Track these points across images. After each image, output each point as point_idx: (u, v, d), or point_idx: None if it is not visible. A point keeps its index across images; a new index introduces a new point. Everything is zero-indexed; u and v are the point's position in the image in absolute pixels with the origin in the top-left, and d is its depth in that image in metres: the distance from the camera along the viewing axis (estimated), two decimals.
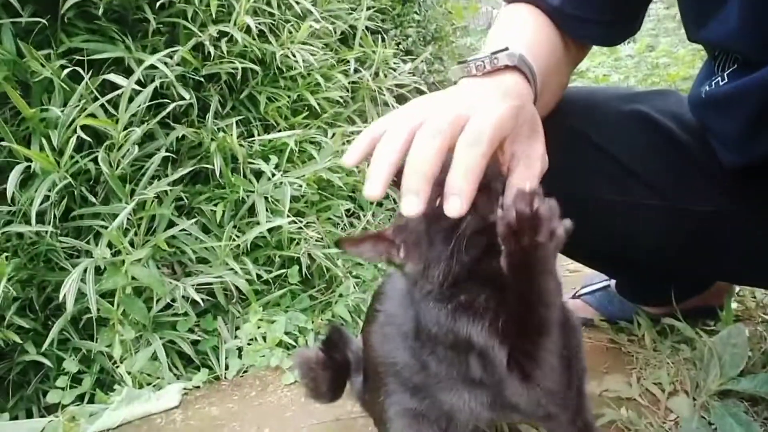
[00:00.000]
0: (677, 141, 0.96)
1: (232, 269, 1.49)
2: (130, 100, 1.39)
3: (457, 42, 2.83)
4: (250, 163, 1.68)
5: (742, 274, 1.05)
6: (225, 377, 1.44)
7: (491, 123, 0.61)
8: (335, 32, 2.04)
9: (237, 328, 1.53)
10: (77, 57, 1.43)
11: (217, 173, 1.58)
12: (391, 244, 0.70)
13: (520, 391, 0.66)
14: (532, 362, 0.64)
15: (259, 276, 1.58)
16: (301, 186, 1.71)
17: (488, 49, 0.74)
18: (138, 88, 1.42)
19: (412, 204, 0.58)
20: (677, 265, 1.06)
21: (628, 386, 1.10)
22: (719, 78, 0.86)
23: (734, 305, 1.26)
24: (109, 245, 1.37)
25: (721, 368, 0.98)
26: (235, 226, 1.59)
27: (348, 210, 1.98)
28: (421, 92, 2.26)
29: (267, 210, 1.62)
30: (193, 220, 1.55)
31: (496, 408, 0.73)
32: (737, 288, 1.25)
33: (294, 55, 1.83)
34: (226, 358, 1.47)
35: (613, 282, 1.35)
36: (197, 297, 1.45)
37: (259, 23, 1.74)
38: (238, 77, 1.72)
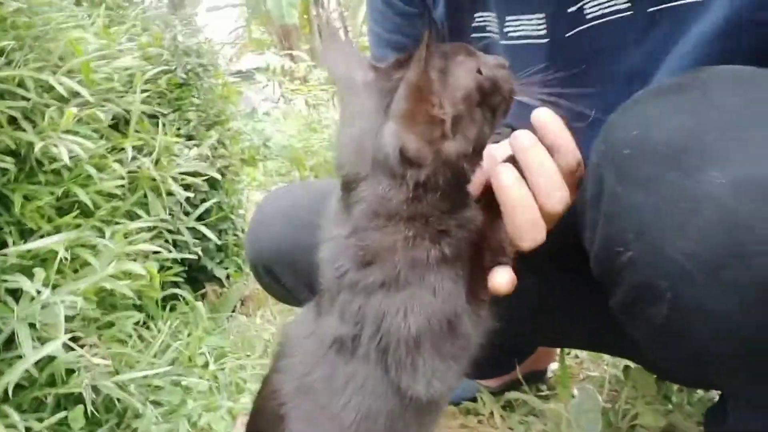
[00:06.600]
0: None
1: None
2: None
3: (233, 125, 2.73)
4: (3, 281, 1.31)
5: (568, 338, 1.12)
6: None
7: None
8: (106, 117, 1.77)
9: None
10: None
11: None
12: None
13: None
14: None
15: (28, 429, 1.20)
16: (76, 302, 1.38)
17: None
18: None
19: None
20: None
21: None
22: None
23: (557, 365, 1.35)
24: None
25: None
26: None
27: (137, 322, 1.67)
28: (210, 180, 2.09)
29: (33, 338, 1.26)
30: None
31: None
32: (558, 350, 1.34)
33: (56, 146, 1.52)
34: None
35: None
36: None
37: (9, 107, 1.41)
38: None
